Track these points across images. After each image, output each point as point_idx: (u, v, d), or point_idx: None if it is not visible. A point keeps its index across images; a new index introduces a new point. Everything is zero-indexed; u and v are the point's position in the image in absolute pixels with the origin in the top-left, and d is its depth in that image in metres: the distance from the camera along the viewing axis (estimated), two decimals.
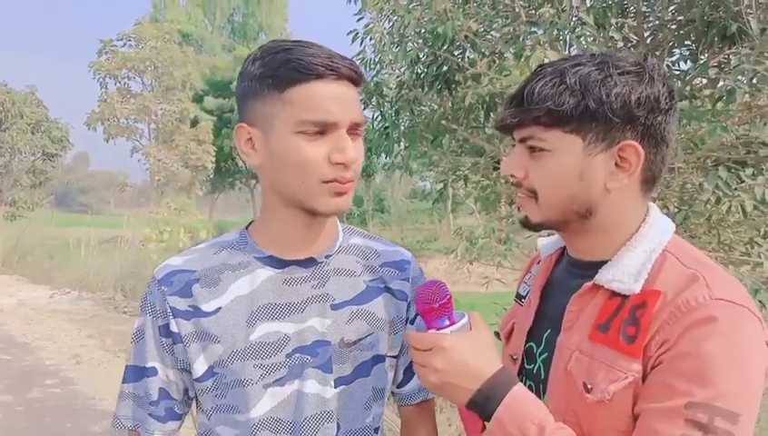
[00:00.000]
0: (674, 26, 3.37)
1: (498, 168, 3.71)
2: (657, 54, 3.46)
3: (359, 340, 1.14)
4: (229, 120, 29.69)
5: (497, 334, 1.11)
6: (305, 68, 0.99)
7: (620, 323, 0.97)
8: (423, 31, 3.49)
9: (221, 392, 1.09)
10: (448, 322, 1.00)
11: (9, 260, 15.33)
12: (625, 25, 3.34)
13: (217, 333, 1.08)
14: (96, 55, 24.01)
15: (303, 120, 1.00)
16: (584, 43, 3.23)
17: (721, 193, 2.62)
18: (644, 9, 3.35)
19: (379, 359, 1.17)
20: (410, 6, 3.62)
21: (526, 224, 1.09)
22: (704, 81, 3.24)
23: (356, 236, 1.24)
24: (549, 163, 1.01)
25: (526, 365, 1.15)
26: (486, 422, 0.96)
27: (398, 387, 1.28)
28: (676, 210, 3.27)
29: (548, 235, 1.25)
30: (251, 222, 1.20)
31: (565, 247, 1.18)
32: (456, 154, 3.79)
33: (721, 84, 3.19)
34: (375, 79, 3.93)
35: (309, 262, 1.13)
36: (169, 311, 1.10)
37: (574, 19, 3.04)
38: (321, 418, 1.10)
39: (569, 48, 3.25)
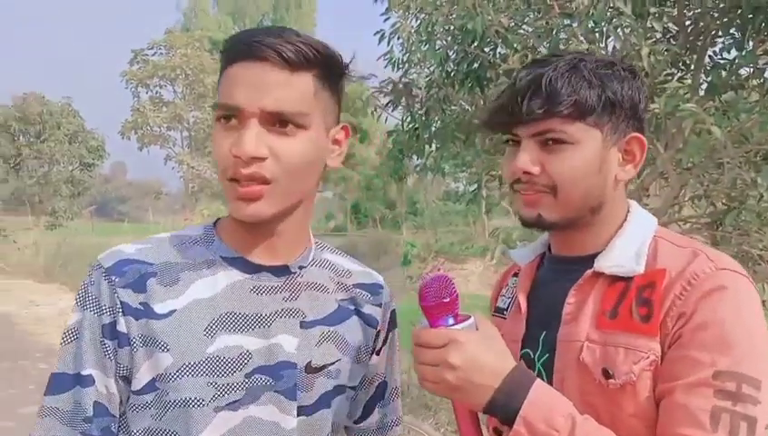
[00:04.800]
0: (717, 13, 3.20)
1: None
2: (699, 43, 3.30)
3: (327, 366, 1.01)
4: None
5: None
6: (229, 51, 0.92)
7: (629, 306, 0.97)
8: (452, 27, 3.39)
9: (159, 412, 0.92)
10: (453, 321, 0.93)
11: (50, 269, 15.66)
12: (665, 14, 3.18)
13: (167, 341, 0.92)
14: (128, 65, 24.48)
15: (216, 102, 0.92)
16: (621, 34, 3.09)
17: None
18: None
19: (341, 389, 1.04)
20: (438, 3, 3.52)
21: (540, 223, 1.05)
22: (752, 70, 3.07)
23: (328, 251, 1.12)
24: (573, 156, 1.00)
25: None
26: (506, 425, 0.91)
27: (355, 422, 1.16)
28: (725, 207, 3.10)
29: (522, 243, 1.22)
30: (218, 219, 1.05)
31: (543, 253, 1.18)
32: (489, 154, 3.68)
33: None
34: (404, 79, 3.83)
35: (281, 271, 1.01)
36: (118, 306, 0.92)
37: (610, 9, 2.90)
38: None
39: (606, 40, 3.11)
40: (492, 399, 0.90)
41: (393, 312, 1.17)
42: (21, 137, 22.07)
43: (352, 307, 1.08)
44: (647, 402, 0.93)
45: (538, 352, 1.08)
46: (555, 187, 1.01)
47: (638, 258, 1.00)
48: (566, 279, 1.06)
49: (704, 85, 3.25)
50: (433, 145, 4.07)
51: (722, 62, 3.29)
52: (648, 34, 3.06)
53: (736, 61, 3.13)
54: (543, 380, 1.01)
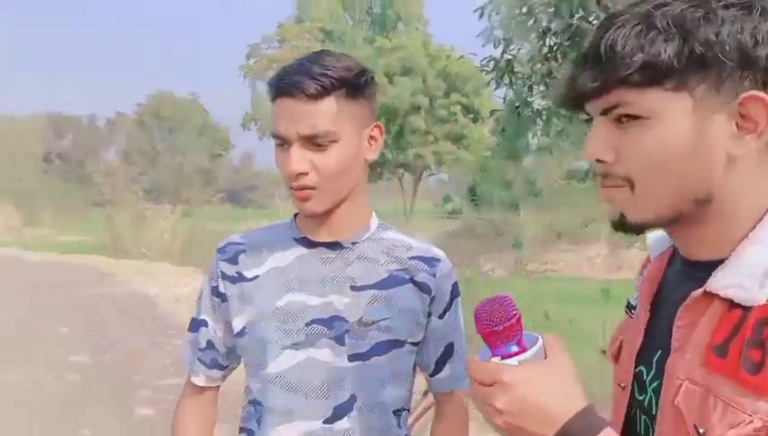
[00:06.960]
0: None
1: None
2: None
3: (377, 321, 1.24)
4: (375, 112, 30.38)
5: (604, 353, 0.90)
6: (273, 87, 1.18)
7: (741, 345, 0.72)
8: (551, 0, 3.27)
9: (249, 349, 1.28)
10: (516, 349, 0.78)
11: (185, 252, 16.86)
12: None
13: (253, 297, 1.27)
14: (245, 59, 25.68)
15: (271, 131, 1.20)
16: None
17: None
18: None
19: (396, 343, 1.26)
20: None
21: (622, 226, 0.83)
22: None
23: (390, 232, 1.35)
24: (649, 135, 0.76)
25: (637, 395, 0.90)
26: None
27: (430, 375, 1.38)
28: None
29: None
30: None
31: None
32: None
33: None
34: (505, 55, 3.75)
35: (335, 246, 1.28)
36: (219, 274, 1.32)
37: None
38: (333, 384, 1.23)
39: None
40: None
41: (455, 283, 1.36)
42: (155, 132, 23.91)
43: (407, 276, 1.29)
44: None
45: (651, 374, 0.87)
46: (630, 180, 0.79)
47: (764, 280, 0.73)
48: (685, 288, 0.81)
49: None
50: (539, 123, 3.96)
51: None
52: None
53: None
54: (652, 409, 0.85)
